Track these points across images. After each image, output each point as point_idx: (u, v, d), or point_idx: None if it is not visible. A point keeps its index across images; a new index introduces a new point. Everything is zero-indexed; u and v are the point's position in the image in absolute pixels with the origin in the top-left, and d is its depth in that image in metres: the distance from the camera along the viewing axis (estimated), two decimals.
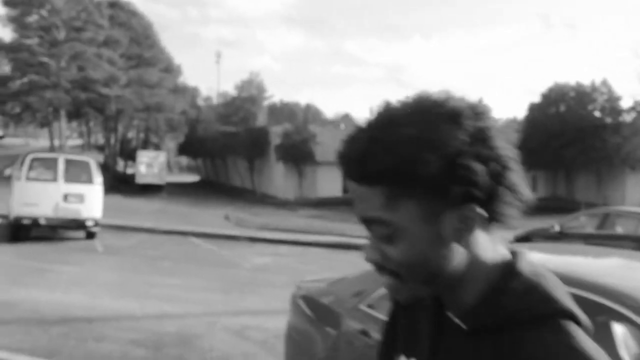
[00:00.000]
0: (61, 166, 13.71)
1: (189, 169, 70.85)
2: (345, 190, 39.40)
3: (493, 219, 0.85)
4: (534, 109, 40.38)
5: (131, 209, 24.99)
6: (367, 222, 0.86)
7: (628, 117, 36.20)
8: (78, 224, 13.80)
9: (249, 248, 15.34)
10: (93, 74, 35.47)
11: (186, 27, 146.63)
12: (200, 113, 48.75)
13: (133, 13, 41.05)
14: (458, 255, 0.86)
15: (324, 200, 37.02)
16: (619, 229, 11.79)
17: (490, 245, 0.89)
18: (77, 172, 13.81)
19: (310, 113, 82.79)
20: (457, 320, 0.89)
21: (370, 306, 3.81)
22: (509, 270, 0.88)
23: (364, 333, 3.66)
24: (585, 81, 38.37)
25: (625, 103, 36.82)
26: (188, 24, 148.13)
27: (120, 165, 45.80)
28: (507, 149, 0.85)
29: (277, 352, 6.46)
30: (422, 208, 0.83)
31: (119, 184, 36.29)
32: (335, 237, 18.14)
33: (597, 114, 36.73)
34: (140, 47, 39.84)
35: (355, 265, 12.13)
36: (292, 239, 17.16)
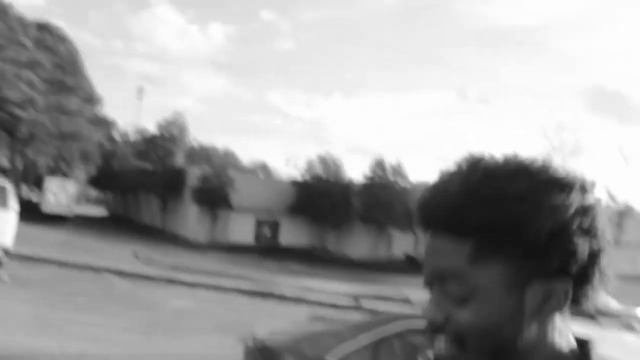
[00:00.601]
0: None
1: (97, 202, 68.03)
2: (257, 238, 39.04)
3: (576, 300, 0.79)
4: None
5: (35, 239, 23.56)
6: (441, 277, 0.80)
7: None
8: None
9: (166, 290, 14.86)
10: (9, 93, 33.78)
11: (110, 58, 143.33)
12: (116, 146, 47.31)
13: (61, 38, 39.70)
14: (532, 333, 0.78)
15: (235, 245, 36.56)
16: None
17: (564, 330, 0.82)
18: None
19: (227, 158, 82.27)
20: None
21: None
22: (585, 357, 0.82)
23: None
24: (497, 154, 40.64)
25: None
26: (112, 56, 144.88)
27: (24, 191, 43.34)
28: (606, 230, 0.80)
29: None
30: (510, 272, 0.76)
31: (23, 210, 34.20)
32: (252, 283, 17.92)
33: None
34: (64, 73, 38.42)
35: (278, 315, 12.08)
36: (210, 284, 16.78)
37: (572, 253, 0.75)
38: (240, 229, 38.57)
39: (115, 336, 8.76)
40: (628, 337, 5.05)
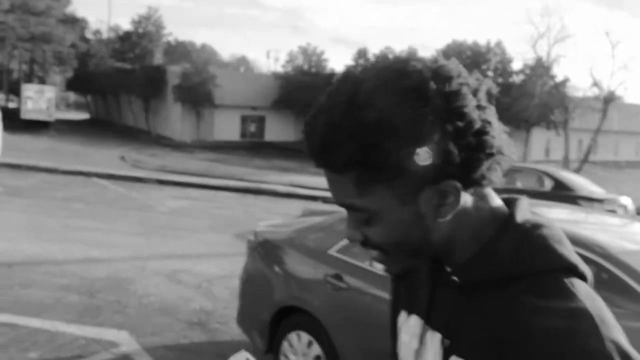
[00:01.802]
0: None
1: (78, 106, 66.82)
2: (243, 135, 38.92)
3: (478, 183, 0.83)
4: None
5: (18, 147, 23.34)
6: (343, 206, 0.86)
7: (517, 79, 38.50)
8: None
9: (159, 191, 15.00)
10: None
11: None
12: (91, 47, 45.77)
13: None
14: (442, 227, 0.84)
15: (221, 143, 36.59)
16: (519, 184, 12.74)
17: (481, 203, 0.86)
18: None
19: (206, 54, 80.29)
20: (453, 277, 0.88)
21: (340, 252, 3.98)
22: (506, 223, 0.86)
23: (337, 277, 3.84)
24: (482, 41, 40.21)
25: (516, 65, 38.99)
26: None
27: (0, 98, 42.37)
28: (482, 110, 0.80)
29: (212, 296, 6.56)
30: (394, 191, 0.81)
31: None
32: (242, 182, 18.12)
33: (489, 74, 38.69)
34: None
35: (272, 210, 12.35)
36: (202, 183, 16.94)
37: (442, 160, 0.77)
38: (225, 127, 38.42)
39: (116, 239, 8.94)
40: (610, 220, 5.24)
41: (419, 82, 0.77)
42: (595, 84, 33.39)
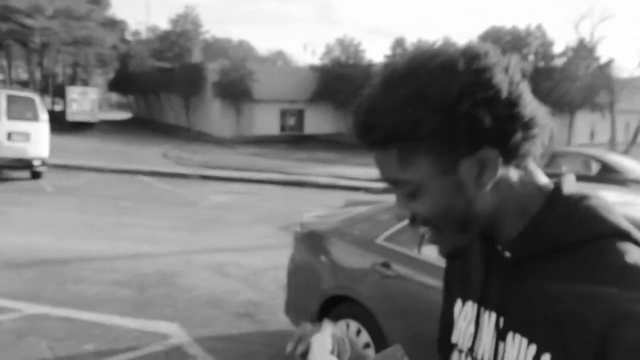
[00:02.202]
0: (3, 102, 12.98)
1: (120, 106, 68.22)
2: (282, 128, 39.04)
3: (515, 155, 0.85)
4: None
5: (65, 148, 24.01)
6: (390, 183, 0.90)
7: (559, 62, 37.52)
8: (24, 164, 13.25)
9: (204, 186, 15.23)
10: (14, 2, 33.08)
11: None
12: (130, 48, 46.63)
13: None
14: (486, 198, 0.86)
15: (261, 138, 36.81)
16: (564, 169, 12.46)
17: (526, 178, 0.88)
18: (20, 109, 13.13)
19: (243, 50, 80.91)
20: (505, 253, 0.89)
21: (387, 240, 3.98)
22: (552, 196, 0.88)
23: (385, 265, 3.84)
24: (521, 25, 39.36)
25: (558, 48, 38.01)
26: None
27: (46, 102, 43.59)
28: (514, 84, 0.83)
29: (259, 288, 6.64)
30: (434, 162, 0.84)
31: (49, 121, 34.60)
32: (284, 175, 18.23)
33: (530, 57, 37.84)
34: None
35: (315, 201, 12.36)
36: (245, 177, 17.12)
37: (475, 127, 0.81)
38: (265, 121, 38.62)
39: (163, 235, 9.12)
40: None
41: (448, 60, 0.82)
42: None
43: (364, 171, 20.49)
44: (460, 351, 1.00)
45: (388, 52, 37.85)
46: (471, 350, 0.96)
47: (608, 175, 12.25)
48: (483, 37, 40.45)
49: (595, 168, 12.85)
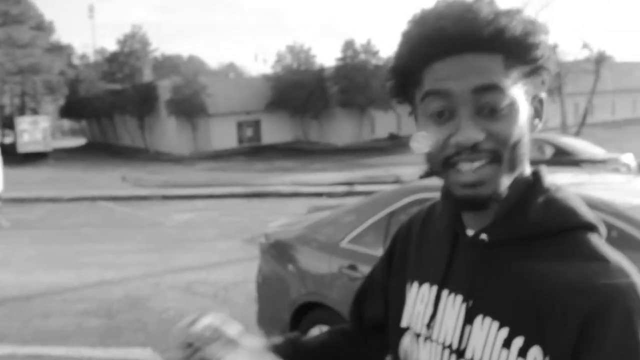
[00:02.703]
0: None
1: (73, 132, 66.96)
2: (240, 140, 38.80)
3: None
4: None
5: (19, 180, 23.41)
6: (479, 90, 0.82)
7: None
8: None
9: (165, 206, 15.06)
10: None
11: None
12: (79, 72, 45.81)
13: None
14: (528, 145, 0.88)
15: (220, 152, 36.60)
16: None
17: None
18: None
19: (194, 64, 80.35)
20: (481, 235, 0.89)
21: (352, 242, 4.02)
22: (534, 185, 0.90)
23: (352, 267, 3.88)
24: None
25: None
26: None
27: None
28: None
29: (231, 303, 6.60)
30: (527, 87, 0.85)
31: None
32: (245, 187, 18.16)
33: None
34: (6, 3, 36.30)
35: (278, 211, 12.30)
36: (206, 193, 16.98)
37: (548, 67, 0.86)
38: (222, 135, 38.40)
39: (128, 259, 8.98)
40: (613, 178, 5.24)
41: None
42: (585, 45, 33.22)
43: (324, 176, 20.57)
44: (417, 335, 0.98)
45: (339, 54, 38.00)
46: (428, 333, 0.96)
47: (562, 157, 12.59)
48: None
49: (549, 151, 13.17)
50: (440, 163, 0.86)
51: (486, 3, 0.82)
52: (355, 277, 3.84)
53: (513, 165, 0.85)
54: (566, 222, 0.86)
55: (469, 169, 0.83)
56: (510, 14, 0.82)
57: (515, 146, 0.83)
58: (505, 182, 0.84)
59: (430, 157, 0.87)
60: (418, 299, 1.00)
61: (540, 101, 0.89)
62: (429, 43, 0.82)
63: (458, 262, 0.93)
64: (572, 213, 0.87)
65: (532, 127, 0.88)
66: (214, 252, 9.32)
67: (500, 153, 0.82)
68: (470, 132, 0.81)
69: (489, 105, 0.82)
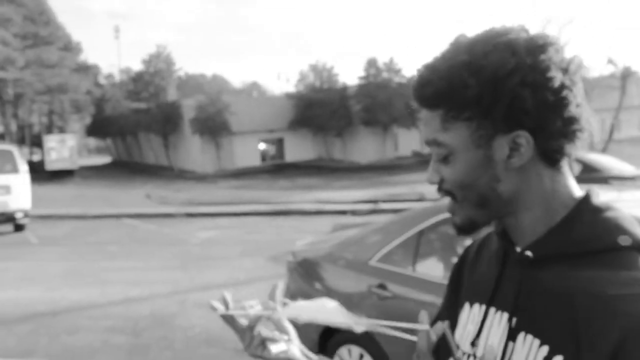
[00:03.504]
0: None
1: (99, 151, 68.00)
2: (263, 159, 39.01)
3: (550, 148, 0.87)
4: None
5: (47, 197, 23.79)
6: (429, 144, 0.93)
7: None
8: (7, 217, 13.09)
9: (189, 224, 15.13)
10: None
11: (72, 2, 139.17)
12: (105, 91, 46.58)
13: None
14: (512, 182, 0.88)
15: (243, 170, 36.77)
16: None
17: (559, 177, 0.90)
18: None
19: (218, 84, 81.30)
20: (526, 252, 0.89)
21: (381, 261, 3.96)
22: (582, 203, 0.89)
23: (381, 286, 3.82)
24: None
25: None
26: None
27: (24, 152, 43.28)
28: (567, 79, 0.85)
29: None
30: (472, 131, 0.87)
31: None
32: (269, 205, 18.18)
33: None
34: (36, 24, 37.20)
35: (302, 229, 12.27)
36: (229, 211, 17.04)
37: (517, 105, 0.83)
38: (245, 153, 38.62)
39: (154, 276, 9.01)
40: None
41: (513, 39, 0.85)
42: (610, 61, 32.84)
43: (348, 194, 20.51)
44: (466, 355, 0.99)
45: (361, 73, 38.12)
46: (472, 349, 0.96)
47: (590, 174, 12.38)
48: None
49: (576, 169, 12.98)
50: None
51: (445, 59, 0.88)
52: (384, 296, 3.79)
53: (476, 202, 0.91)
54: (615, 242, 0.84)
55: (446, 202, 0.95)
56: (444, 68, 0.87)
57: (467, 187, 0.90)
58: (477, 213, 0.92)
59: None
60: (470, 319, 1.00)
61: (514, 140, 0.86)
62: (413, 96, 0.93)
63: (506, 281, 0.94)
64: (622, 232, 0.85)
65: (507, 166, 0.88)
66: (239, 270, 9.31)
67: (452, 192, 0.92)
68: (429, 175, 0.95)
69: (437, 155, 0.93)
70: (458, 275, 1.11)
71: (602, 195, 0.93)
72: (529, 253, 0.89)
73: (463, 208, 0.92)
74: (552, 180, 0.89)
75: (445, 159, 0.91)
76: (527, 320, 0.87)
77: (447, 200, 0.95)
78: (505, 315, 0.91)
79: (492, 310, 0.94)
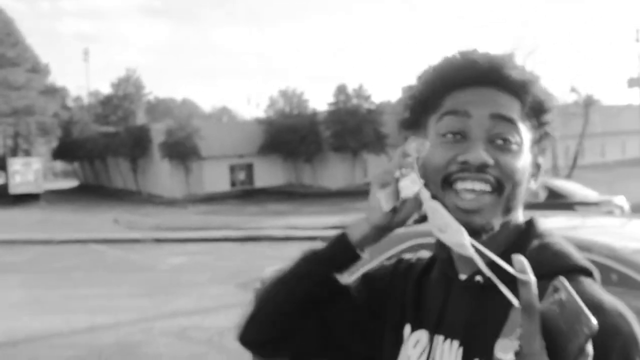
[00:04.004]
0: None
1: (65, 174, 66.74)
2: (233, 184, 38.88)
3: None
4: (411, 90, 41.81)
5: (9, 222, 23.30)
6: (498, 117, 0.87)
7: None
8: None
9: (157, 250, 14.91)
10: None
11: (39, 22, 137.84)
12: (73, 114, 45.97)
13: None
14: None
15: (212, 195, 36.51)
16: None
17: None
18: None
19: (188, 108, 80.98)
20: (476, 277, 0.89)
21: None
22: (529, 230, 0.92)
23: None
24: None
25: None
26: (41, 18, 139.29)
27: None
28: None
29: (226, 349, 6.47)
30: (534, 144, 0.92)
31: None
32: (239, 231, 18.05)
33: None
34: (2, 45, 36.61)
35: (271, 255, 12.18)
36: (199, 237, 16.86)
37: (551, 138, 0.95)
38: (215, 178, 38.38)
39: (119, 303, 8.83)
40: (608, 221, 5.26)
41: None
42: (573, 89, 33.73)
43: (318, 220, 20.47)
44: None
45: (331, 99, 38.42)
46: None
47: (555, 200, 12.62)
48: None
49: (542, 194, 13.20)
50: (440, 180, 0.88)
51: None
52: None
53: (509, 204, 0.88)
54: (560, 266, 0.86)
55: (470, 189, 0.85)
56: (535, 75, 0.91)
57: (516, 184, 0.87)
58: (498, 219, 0.87)
59: (430, 173, 0.89)
60: (412, 344, 0.98)
61: (538, 165, 0.93)
62: (457, 72, 0.89)
63: (452, 307, 0.93)
64: (565, 257, 0.89)
65: (528, 182, 0.91)
66: (208, 297, 9.19)
67: (503, 184, 0.85)
68: (481, 153, 0.84)
69: (500, 136, 0.86)
70: (399, 292, 1.05)
71: (541, 222, 0.97)
72: (479, 278, 0.88)
73: (499, 205, 0.86)
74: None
75: (503, 145, 0.86)
76: (481, 345, 0.85)
77: (482, 187, 0.85)
78: (456, 342, 0.90)
79: (440, 338, 0.93)
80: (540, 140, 0.93)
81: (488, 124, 0.87)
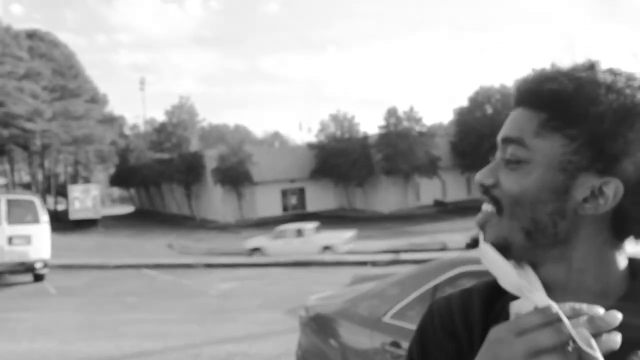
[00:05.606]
0: (3, 207, 12.99)
1: (122, 200, 68.71)
2: (285, 208, 39.19)
3: (631, 225, 0.78)
4: (462, 112, 41.33)
5: (69, 247, 23.96)
6: (505, 141, 0.81)
7: None
8: (26, 267, 13.10)
9: (208, 275, 15.02)
10: (15, 108, 33.92)
11: (97, 55, 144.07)
12: (129, 142, 47.48)
13: (54, 43, 39.59)
14: (575, 226, 0.77)
15: (265, 220, 36.81)
16: None
17: (616, 253, 0.80)
18: (21, 213, 13.12)
19: (240, 134, 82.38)
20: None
21: (394, 317, 3.82)
22: (632, 274, 0.81)
23: (395, 344, 3.67)
24: (509, 83, 40.04)
25: None
26: (98, 52, 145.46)
27: (49, 202, 43.93)
28: None
29: None
30: (566, 151, 0.76)
31: (51, 221, 34.68)
32: (289, 256, 18.02)
33: None
34: (64, 78, 38.36)
35: (321, 281, 12.09)
36: (249, 262, 16.92)
37: (628, 149, 0.74)
38: (267, 202, 38.75)
39: (169, 329, 8.87)
40: None
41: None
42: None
43: (370, 244, 20.27)
44: None
45: (381, 122, 38.31)
46: None
47: None
48: (473, 97, 41.08)
49: None
50: None
51: (582, 71, 0.79)
52: (398, 355, 3.63)
53: (526, 225, 0.78)
54: None
55: (484, 209, 0.83)
56: (568, 77, 0.78)
57: (525, 206, 0.78)
58: (517, 235, 0.79)
59: None
60: None
61: (600, 189, 0.75)
62: (515, 93, 0.85)
63: None
64: None
65: (577, 207, 0.76)
66: (256, 323, 9.13)
67: (501, 203, 0.80)
68: (482, 173, 0.82)
69: (507, 156, 0.80)
70: (467, 337, 0.88)
71: None
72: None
73: (503, 225, 0.80)
74: (612, 251, 0.80)
75: (516, 164, 0.79)
76: None
77: (486, 208, 0.82)
78: None
79: None
80: (587, 148, 0.75)
81: (502, 147, 0.82)
